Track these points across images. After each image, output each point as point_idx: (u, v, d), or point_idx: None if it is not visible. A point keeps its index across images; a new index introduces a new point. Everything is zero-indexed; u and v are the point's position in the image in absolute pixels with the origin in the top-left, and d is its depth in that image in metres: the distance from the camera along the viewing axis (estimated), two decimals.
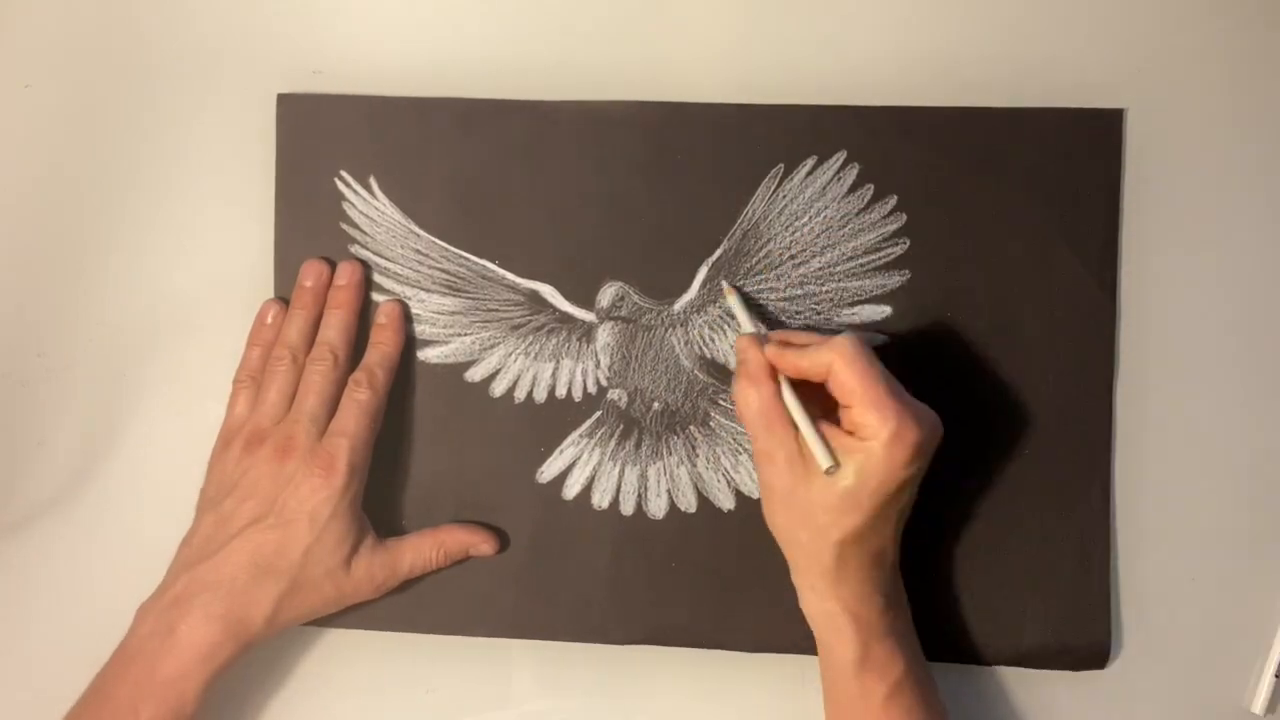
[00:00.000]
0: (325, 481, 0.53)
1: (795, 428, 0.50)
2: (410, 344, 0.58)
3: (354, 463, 0.54)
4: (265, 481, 0.54)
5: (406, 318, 0.58)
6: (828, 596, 0.51)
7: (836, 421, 0.51)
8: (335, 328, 0.56)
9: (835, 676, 0.52)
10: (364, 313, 0.58)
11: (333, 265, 0.58)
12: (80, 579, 0.59)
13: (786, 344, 0.52)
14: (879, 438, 0.48)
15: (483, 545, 0.56)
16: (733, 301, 0.55)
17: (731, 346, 0.57)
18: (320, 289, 0.57)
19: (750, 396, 0.51)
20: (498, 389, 0.58)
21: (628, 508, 0.57)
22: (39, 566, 0.59)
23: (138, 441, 0.59)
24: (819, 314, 0.57)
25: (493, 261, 0.58)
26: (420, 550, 0.56)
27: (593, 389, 0.58)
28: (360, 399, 0.55)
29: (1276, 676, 0.57)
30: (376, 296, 0.58)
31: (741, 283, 0.57)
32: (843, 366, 0.49)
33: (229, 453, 0.55)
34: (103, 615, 0.54)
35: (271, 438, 0.54)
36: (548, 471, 0.58)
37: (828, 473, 0.49)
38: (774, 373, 0.51)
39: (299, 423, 0.54)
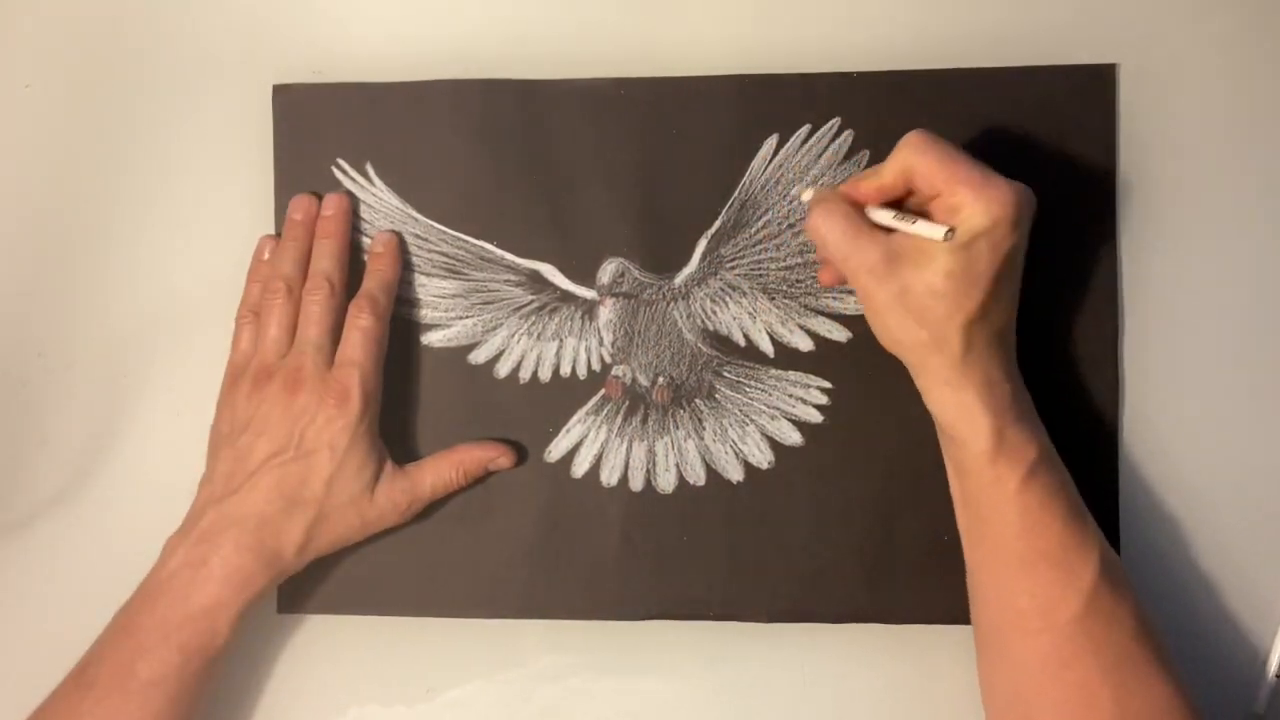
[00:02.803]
0: (340, 411, 0.53)
1: (884, 230, 0.49)
2: (413, 328, 0.58)
3: (367, 390, 0.54)
4: (277, 415, 0.54)
5: (402, 246, 0.58)
6: (961, 386, 0.49)
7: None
8: (328, 256, 0.56)
9: (969, 468, 0.50)
10: (356, 250, 0.58)
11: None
12: (82, 578, 0.58)
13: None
14: (977, 207, 0.47)
15: (501, 459, 0.56)
16: (806, 195, 0.52)
17: (734, 318, 0.57)
18: (310, 221, 0.57)
19: (826, 219, 0.49)
20: (502, 370, 0.58)
21: (637, 483, 0.57)
22: (41, 565, 0.59)
23: (138, 441, 0.59)
24: (820, 283, 0.57)
25: (492, 243, 0.58)
26: (440, 471, 0.56)
27: (596, 366, 0.57)
28: (363, 325, 0.55)
29: (1276, 677, 0.56)
30: (368, 241, 0.58)
31: (741, 254, 0.57)
32: (919, 158, 0.48)
33: (238, 389, 0.55)
34: (104, 613, 0.53)
35: (279, 372, 0.54)
36: (555, 450, 0.57)
37: (946, 238, 0.47)
38: (846, 198, 0.50)
39: (305, 354, 0.54)
